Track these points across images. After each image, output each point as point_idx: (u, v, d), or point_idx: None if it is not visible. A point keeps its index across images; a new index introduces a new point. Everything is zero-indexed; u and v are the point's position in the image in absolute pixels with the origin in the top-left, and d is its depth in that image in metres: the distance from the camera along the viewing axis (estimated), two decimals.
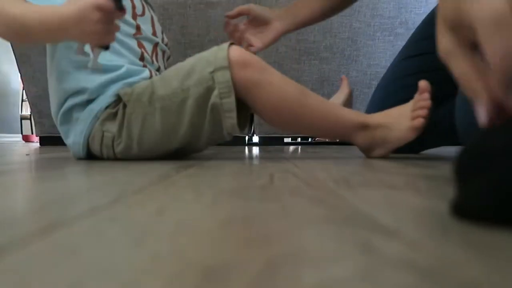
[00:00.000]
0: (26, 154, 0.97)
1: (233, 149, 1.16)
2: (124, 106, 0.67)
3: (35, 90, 1.58)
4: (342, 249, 0.17)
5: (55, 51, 0.71)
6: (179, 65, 0.70)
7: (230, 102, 0.64)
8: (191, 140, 0.69)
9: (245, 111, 0.70)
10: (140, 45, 0.76)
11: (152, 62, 0.78)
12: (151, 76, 0.72)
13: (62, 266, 0.15)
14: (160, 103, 0.66)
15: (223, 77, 0.64)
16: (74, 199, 0.31)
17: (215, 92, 0.64)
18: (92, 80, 0.68)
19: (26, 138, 3.15)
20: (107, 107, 0.68)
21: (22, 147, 1.59)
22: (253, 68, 0.65)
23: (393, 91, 0.93)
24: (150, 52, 0.78)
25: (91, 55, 0.62)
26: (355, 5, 1.06)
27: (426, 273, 0.14)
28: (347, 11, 1.51)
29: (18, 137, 3.87)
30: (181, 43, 1.53)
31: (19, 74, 1.59)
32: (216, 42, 0.78)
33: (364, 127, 0.70)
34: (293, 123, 0.71)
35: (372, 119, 0.71)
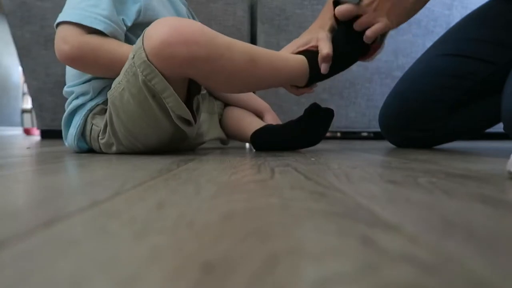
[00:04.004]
0: (27, 148, 0.97)
1: (234, 143, 1.16)
2: None
3: (36, 84, 1.57)
4: (343, 243, 0.17)
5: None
6: None
7: (158, 81, 0.58)
8: (164, 128, 0.64)
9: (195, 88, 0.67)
10: None
11: None
12: None
13: (62, 259, 0.15)
14: (110, 98, 0.65)
15: (139, 58, 0.57)
16: (75, 192, 0.31)
17: (140, 77, 0.58)
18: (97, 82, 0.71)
19: (27, 131, 3.15)
20: (101, 103, 0.71)
21: (23, 140, 1.59)
22: (194, 44, 0.56)
23: (425, 85, 0.91)
24: None
25: None
26: None
27: (427, 268, 0.14)
28: None
29: (19, 130, 3.87)
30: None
31: (20, 68, 1.59)
32: None
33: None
34: (243, 89, 0.73)
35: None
